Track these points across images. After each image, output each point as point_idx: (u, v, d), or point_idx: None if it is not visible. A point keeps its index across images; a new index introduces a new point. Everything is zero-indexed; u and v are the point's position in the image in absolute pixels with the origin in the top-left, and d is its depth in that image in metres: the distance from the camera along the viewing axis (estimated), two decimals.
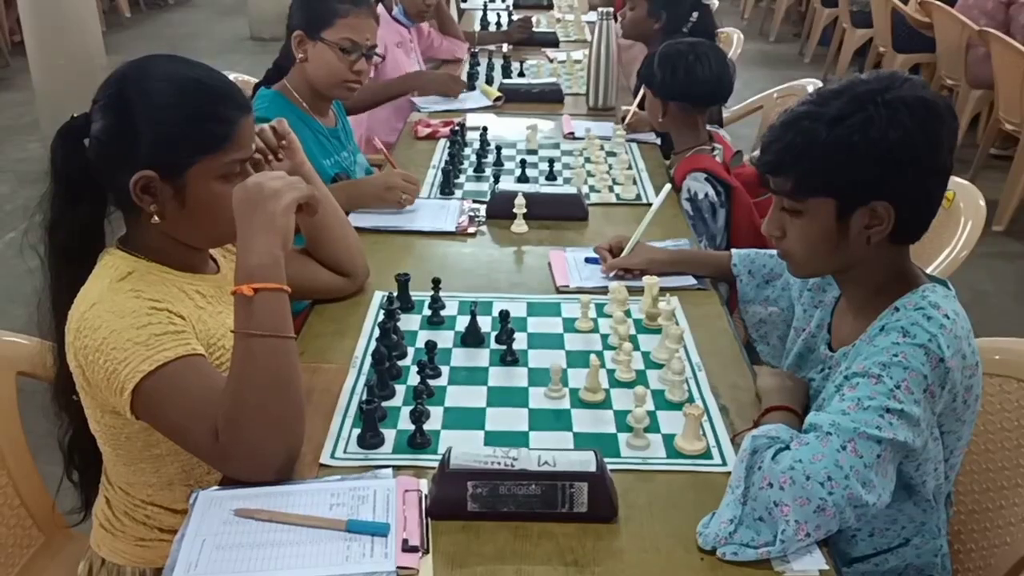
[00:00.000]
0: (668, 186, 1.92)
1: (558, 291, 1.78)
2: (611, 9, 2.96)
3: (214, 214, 1.28)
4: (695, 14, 3.02)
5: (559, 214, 2.11)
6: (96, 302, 1.22)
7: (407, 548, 1.08)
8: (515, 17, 4.41)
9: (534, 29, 4.11)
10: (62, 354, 1.29)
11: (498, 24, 4.25)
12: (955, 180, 2.22)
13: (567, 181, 2.35)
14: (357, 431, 1.31)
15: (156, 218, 1.27)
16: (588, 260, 1.87)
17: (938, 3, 4.94)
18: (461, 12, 4.77)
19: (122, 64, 1.31)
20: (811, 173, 1.27)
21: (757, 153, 1.37)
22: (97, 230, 1.33)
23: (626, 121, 2.71)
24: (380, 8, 3.23)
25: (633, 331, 1.61)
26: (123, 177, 1.24)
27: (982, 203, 2.18)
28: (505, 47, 3.76)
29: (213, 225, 1.30)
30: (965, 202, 2.18)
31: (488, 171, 2.40)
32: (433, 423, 1.34)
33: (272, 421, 1.15)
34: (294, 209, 1.24)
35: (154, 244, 1.31)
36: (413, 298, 1.69)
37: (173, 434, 1.21)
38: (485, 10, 4.37)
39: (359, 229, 1.83)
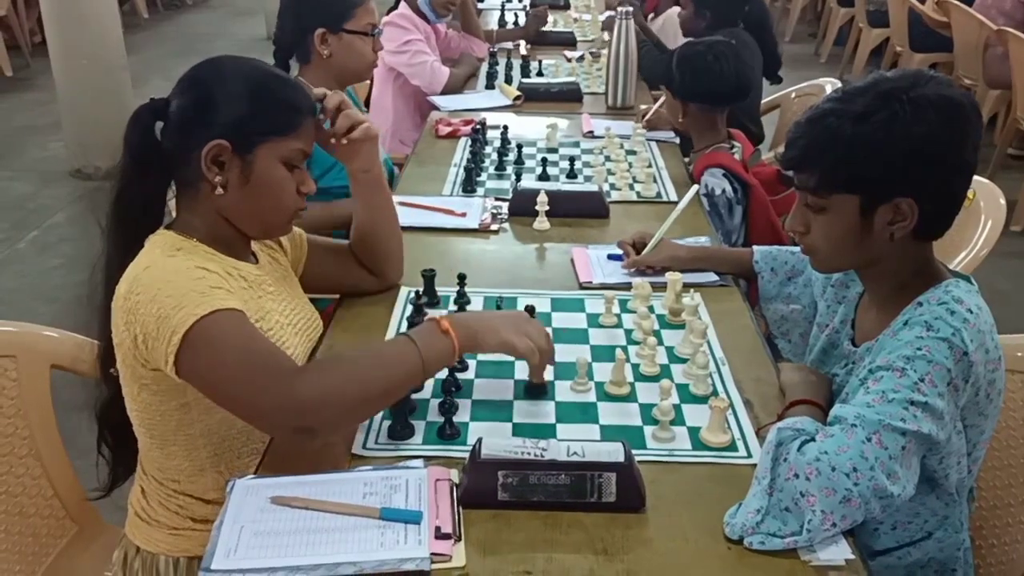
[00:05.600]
0: (695, 187, 1.93)
1: (581, 287, 1.80)
2: (630, 8, 2.97)
3: (271, 196, 1.36)
4: (747, 7, 3.09)
5: (581, 211, 2.13)
6: (149, 266, 1.28)
7: (440, 535, 1.11)
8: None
9: (551, 29, 4.13)
10: (107, 325, 1.32)
11: (516, 23, 4.28)
12: (975, 179, 2.21)
13: (587, 179, 2.37)
14: (388, 423, 1.34)
15: (220, 190, 1.32)
16: (611, 257, 1.89)
17: (956, 2, 4.93)
18: (478, 12, 4.79)
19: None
20: (835, 169, 1.28)
21: (781, 149, 1.38)
22: (157, 206, 1.38)
23: (646, 118, 2.72)
24: (403, 3, 3.28)
25: (657, 326, 1.63)
26: (196, 150, 1.31)
27: (1002, 202, 2.19)
28: (523, 48, 3.78)
29: (267, 208, 1.37)
30: (985, 200, 2.18)
31: (509, 169, 2.42)
32: (462, 415, 1.36)
33: (361, 396, 1.22)
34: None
35: (203, 229, 1.36)
36: (439, 293, 1.71)
37: (230, 373, 1.19)
38: (503, 10, 4.40)
39: None
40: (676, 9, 3.66)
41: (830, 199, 1.30)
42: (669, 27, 3.86)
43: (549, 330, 1.60)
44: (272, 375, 1.19)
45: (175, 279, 1.24)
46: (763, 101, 3.34)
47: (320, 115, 1.48)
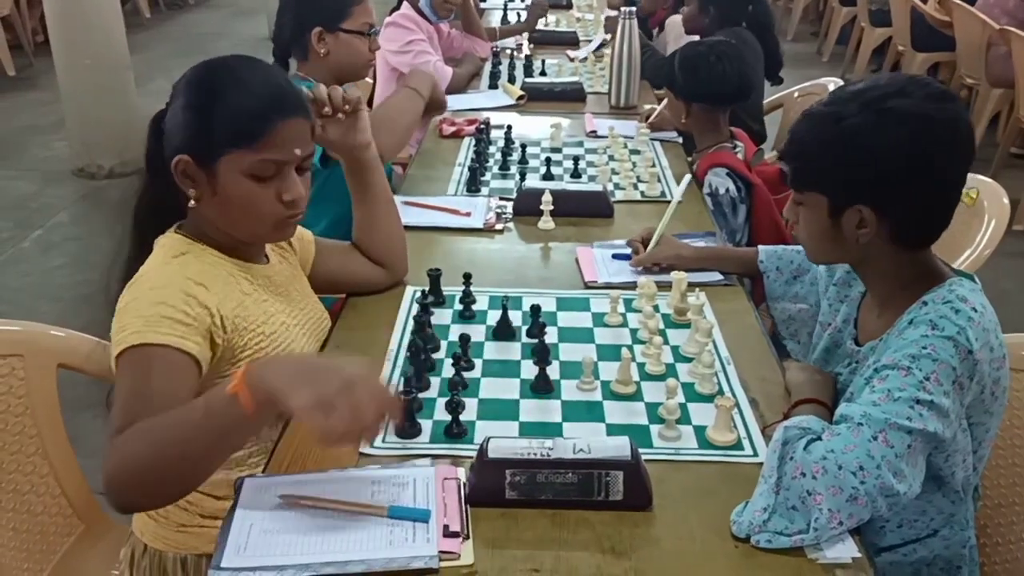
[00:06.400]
0: (688, 176, 1.94)
1: (586, 287, 1.81)
2: (633, 8, 2.98)
3: (241, 208, 1.33)
4: (750, 7, 3.11)
5: (585, 211, 2.13)
6: (145, 272, 1.29)
7: (448, 533, 1.11)
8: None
9: (554, 29, 4.14)
10: None
11: (518, 21, 4.28)
12: (979, 178, 2.24)
13: (592, 179, 2.37)
14: (395, 421, 1.34)
15: (193, 202, 1.33)
16: (616, 256, 1.90)
17: (958, 1, 4.93)
18: (481, 12, 4.80)
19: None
20: (807, 167, 1.33)
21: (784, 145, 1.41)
22: (169, 211, 1.38)
23: (649, 120, 2.73)
24: (406, 3, 3.29)
25: (662, 325, 1.63)
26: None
27: (1006, 201, 2.19)
28: (526, 47, 3.79)
29: (244, 219, 1.35)
30: (989, 200, 2.19)
31: (513, 168, 2.43)
32: (468, 414, 1.37)
33: (158, 474, 1.09)
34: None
35: (209, 230, 1.37)
36: (445, 293, 1.72)
37: (115, 402, 1.17)
38: (505, 9, 4.41)
39: None
40: (677, 16, 3.68)
41: (804, 195, 1.35)
42: (671, 31, 3.88)
43: (554, 329, 1.62)
44: (111, 434, 1.10)
45: (143, 297, 1.24)
46: (766, 101, 3.35)
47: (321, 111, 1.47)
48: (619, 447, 1.19)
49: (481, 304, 1.70)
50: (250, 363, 1.10)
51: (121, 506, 1.12)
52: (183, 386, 1.20)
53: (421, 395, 1.40)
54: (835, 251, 1.37)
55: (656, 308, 1.66)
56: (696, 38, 3.18)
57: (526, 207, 2.11)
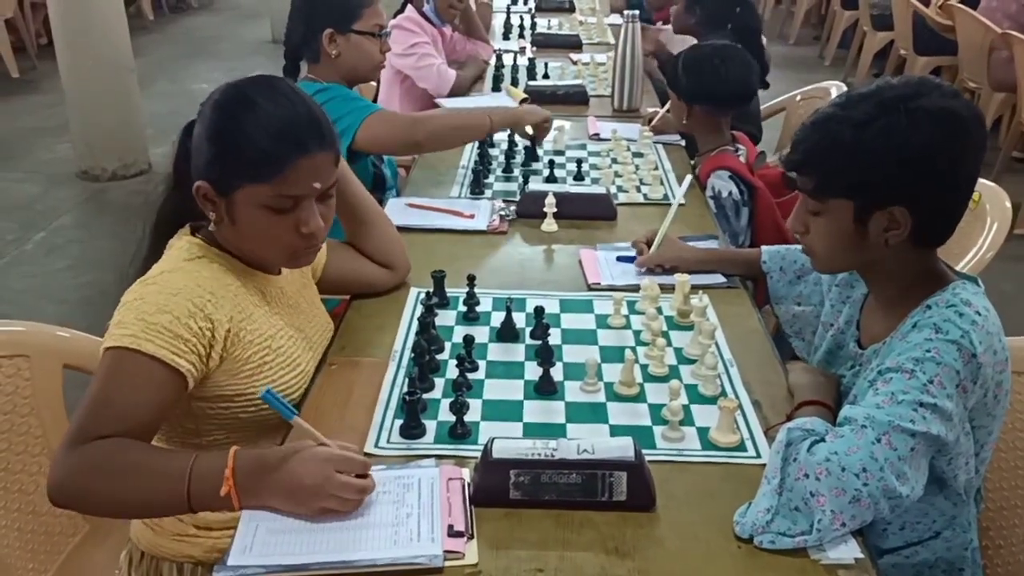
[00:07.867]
0: (689, 177, 1.95)
1: (590, 289, 1.81)
2: (636, 12, 2.99)
3: (257, 238, 1.33)
4: (737, 9, 3.10)
5: (588, 213, 2.14)
6: (158, 273, 1.30)
7: (453, 533, 1.12)
8: (537, 20, 4.46)
9: (557, 32, 4.15)
10: None
11: (520, 27, 4.30)
12: (981, 181, 2.23)
13: (595, 181, 2.38)
14: (399, 422, 1.35)
15: (213, 225, 1.34)
16: (619, 259, 1.90)
17: (960, 6, 4.94)
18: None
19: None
20: (832, 174, 1.30)
21: (786, 152, 1.40)
22: (187, 216, 1.39)
23: (652, 123, 2.74)
24: (410, 6, 3.30)
25: (665, 327, 1.64)
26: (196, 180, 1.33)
27: (1008, 204, 2.20)
28: (529, 50, 3.79)
29: (256, 247, 1.36)
30: (991, 203, 2.19)
31: (517, 171, 2.43)
32: (472, 415, 1.37)
33: (108, 501, 1.17)
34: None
35: (227, 245, 1.38)
36: (449, 294, 1.72)
37: (82, 403, 1.19)
38: (508, 13, 4.42)
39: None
40: None
41: (827, 203, 1.32)
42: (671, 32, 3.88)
43: (558, 331, 1.63)
44: (72, 437, 1.15)
45: (151, 298, 1.24)
46: (769, 104, 3.35)
47: None
48: (623, 448, 1.20)
49: (485, 306, 1.71)
50: (238, 475, 1.13)
51: (56, 504, 1.17)
52: (156, 404, 1.21)
53: (425, 396, 1.41)
54: (852, 257, 1.35)
55: (659, 310, 1.67)
56: (685, 38, 3.20)
57: (529, 209, 2.12)
